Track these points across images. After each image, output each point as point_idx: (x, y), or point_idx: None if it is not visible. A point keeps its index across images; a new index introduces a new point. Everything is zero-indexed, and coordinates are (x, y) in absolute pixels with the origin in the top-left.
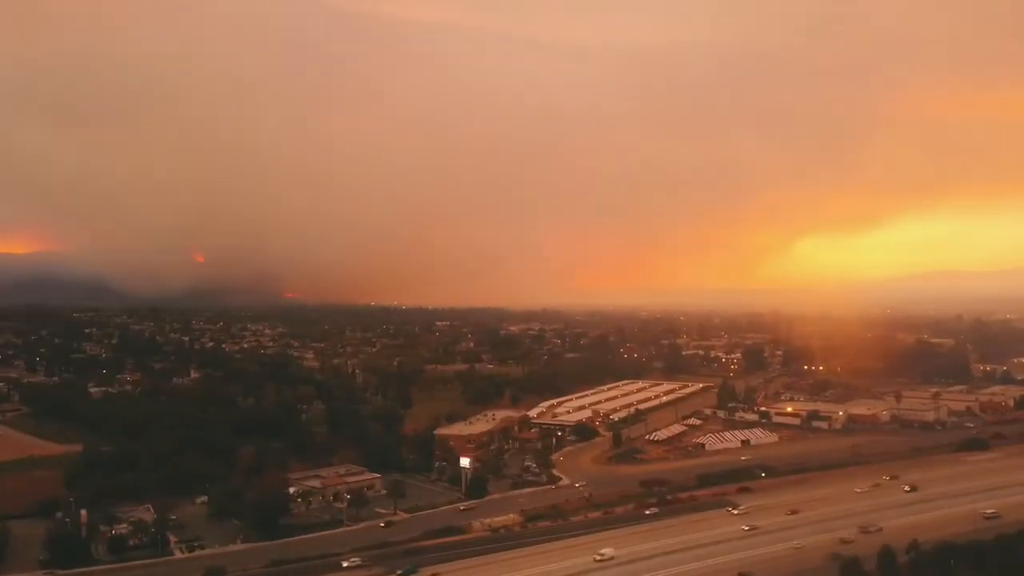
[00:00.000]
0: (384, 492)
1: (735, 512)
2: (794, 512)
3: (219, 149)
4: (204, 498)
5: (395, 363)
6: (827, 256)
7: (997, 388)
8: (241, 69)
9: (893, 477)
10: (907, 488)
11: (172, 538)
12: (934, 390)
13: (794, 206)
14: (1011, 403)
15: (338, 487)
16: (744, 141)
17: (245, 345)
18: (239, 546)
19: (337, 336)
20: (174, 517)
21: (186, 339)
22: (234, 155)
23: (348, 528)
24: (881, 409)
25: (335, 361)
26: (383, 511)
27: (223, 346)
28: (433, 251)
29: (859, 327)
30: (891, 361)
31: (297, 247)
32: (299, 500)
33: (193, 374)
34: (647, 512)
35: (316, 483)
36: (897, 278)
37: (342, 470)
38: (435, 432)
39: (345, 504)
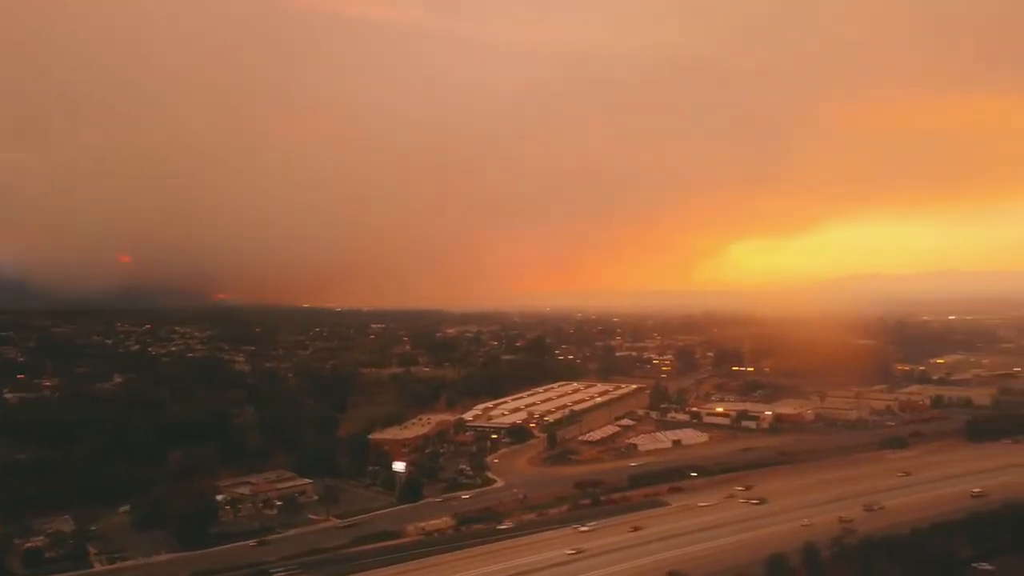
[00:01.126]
0: (317, 498)
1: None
2: (727, 509)
3: (149, 147)
4: (127, 507)
5: (329, 366)
6: (759, 259)
7: (915, 387)
8: (177, 65)
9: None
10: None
11: (92, 550)
12: (857, 390)
13: (728, 210)
14: (927, 402)
15: (269, 493)
16: (680, 145)
17: (173, 348)
18: (164, 557)
19: (269, 338)
20: (95, 528)
21: (110, 342)
22: (165, 153)
23: (279, 535)
24: (807, 409)
25: (267, 364)
26: (315, 517)
27: (149, 349)
28: (369, 252)
29: (787, 328)
30: (817, 361)
31: (228, 247)
32: (228, 508)
33: (117, 378)
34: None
35: (246, 490)
36: (824, 281)
37: (273, 476)
38: (369, 436)
39: (276, 511)
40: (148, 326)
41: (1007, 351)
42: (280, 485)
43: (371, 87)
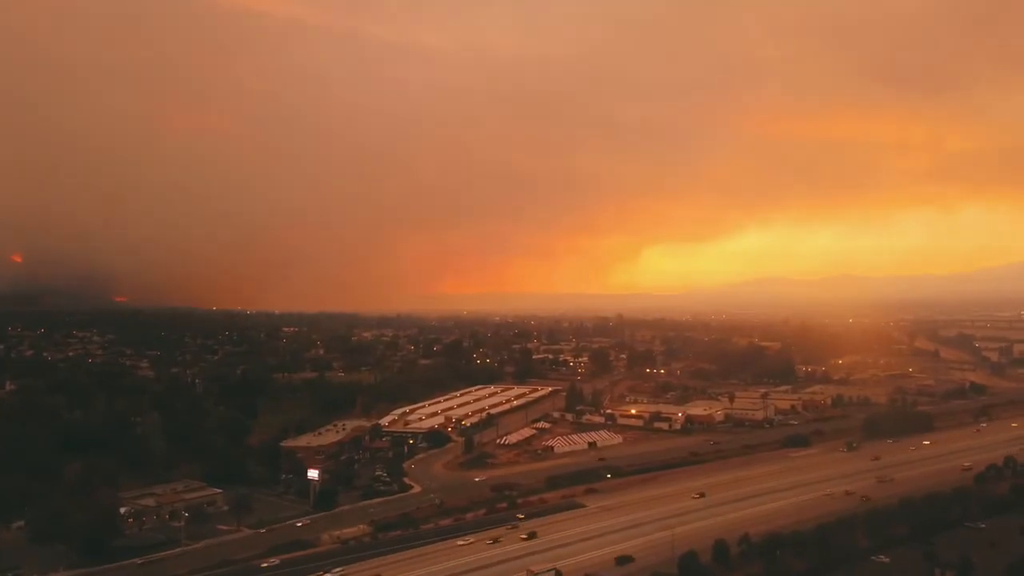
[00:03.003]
0: (227, 508)
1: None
2: (643, 509)
3: (45, 143)
4: (22, 522)
5: (239, 371)
6: (670, 263)
7: (817, 387)
8: (76, 59)
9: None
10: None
11: None
12: (763, 390)
13: (640, 216)
14: (828, 401)
15: (175, 504)
16: (594, 152)
17: (70, 353)
18: (62, 573)
19: (175, 343)
20: None
21: (0, 347)
22: (62, 150)
23: (186, 547)
24: (716, 409)
25: (173, 370)
26: (225, 528)
27: (44, 354)
28: (281, 254)
29: (698, 331)
30: (726, 363)
31: (130, 247)
32: (131, 520)
33: (9, 385)
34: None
35: (150, 501)
36: (733, 284)
37: (180, 486)
38: (282, 444)
39: (183, 522)
40: (42, 330)
41: (900, 352)
42: (187, 495)
43: (281, 88)
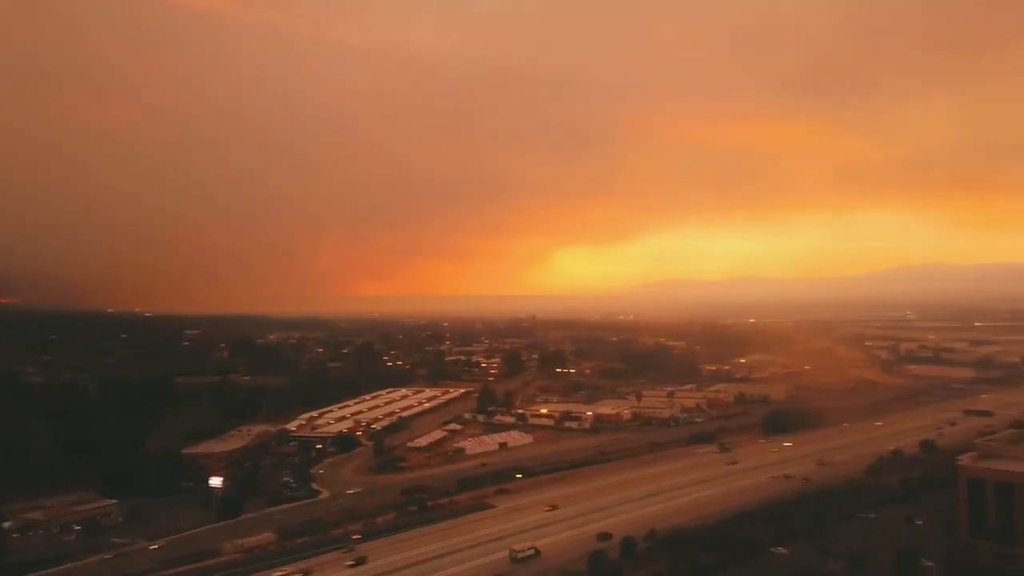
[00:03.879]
0: (122, 519)
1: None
2: (553, 508)
3: None
4: None
5: (138, 376)
6: (580, 265)
7: (721, 386)
8: None
9: (552, 507)
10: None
11: None
12: (669, 389)
13: (555, 217)
14: (731, 399)
15: (66, 517)
16: (510, 153)
17: None
18: None
19: (68, 347)
20: None
21: None
22: None
23: (78, 563)
24: (624, 408)
25: (65, 375)
26: (120, 540)
27: None
28: (185, 254)
29: (608, 331)
30: (634, 362)
31: (21, 246)
32: (16, 535)
33: None
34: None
35: (38, 515)
36: (642, 286)
37: (72, 498)
38: (184, 451)
39: (74, 536)
40: None
41: (798, 351)
42: (79, 507)
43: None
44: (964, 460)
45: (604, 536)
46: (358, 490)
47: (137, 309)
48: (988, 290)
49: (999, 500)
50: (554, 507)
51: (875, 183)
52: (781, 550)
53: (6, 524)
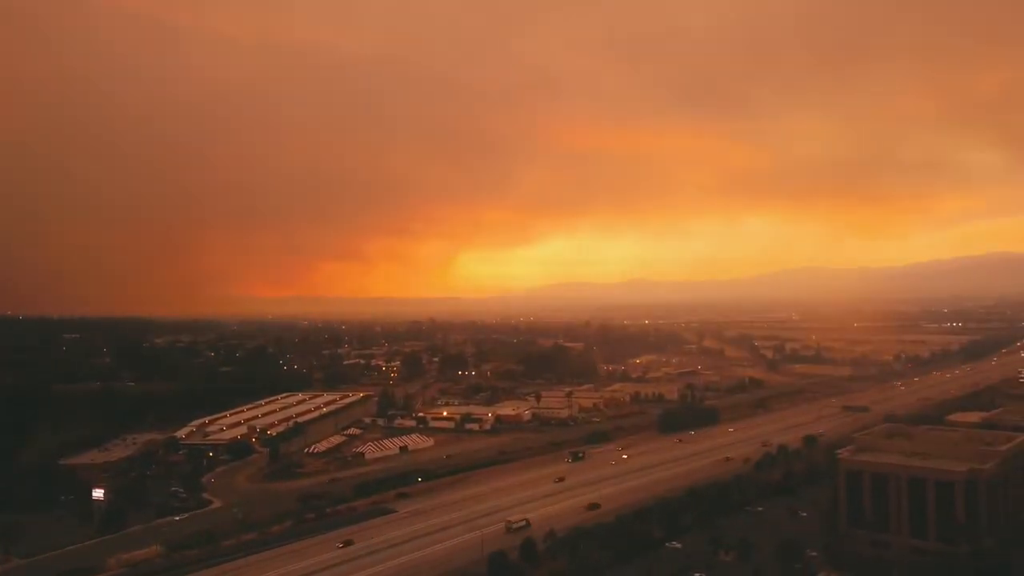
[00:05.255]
0: None
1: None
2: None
3: None
4: None
5: (9, 383)
6: (480, 268)
7: (617, 385)
8: None
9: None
10: (555, 480)
11: None
12: (568, 389)
13: (453, 221)
14: (628, 398)
15: None
16: (408, 156)
17: None
18: None
19: None
20: None
21: None
22: None
23: None
24: (524, 409)
25: None
26: None
27: None
28: (62, 253)
29: (507, 333)
30: (533, 364)
31: None
32: None
33: None
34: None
35: None
36: (539, 288)
37: None
38: (61, 462)
39: None
40: None
41: (690, 351)
42: None
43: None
44: (843, 453)
45: (502, 539)
46: (250, 499)
47: (9, 313)
48: (864, 292)
49: (875, 491)
50: (454, 510)
51: (759, 190)
52: (675, 544)
53: None
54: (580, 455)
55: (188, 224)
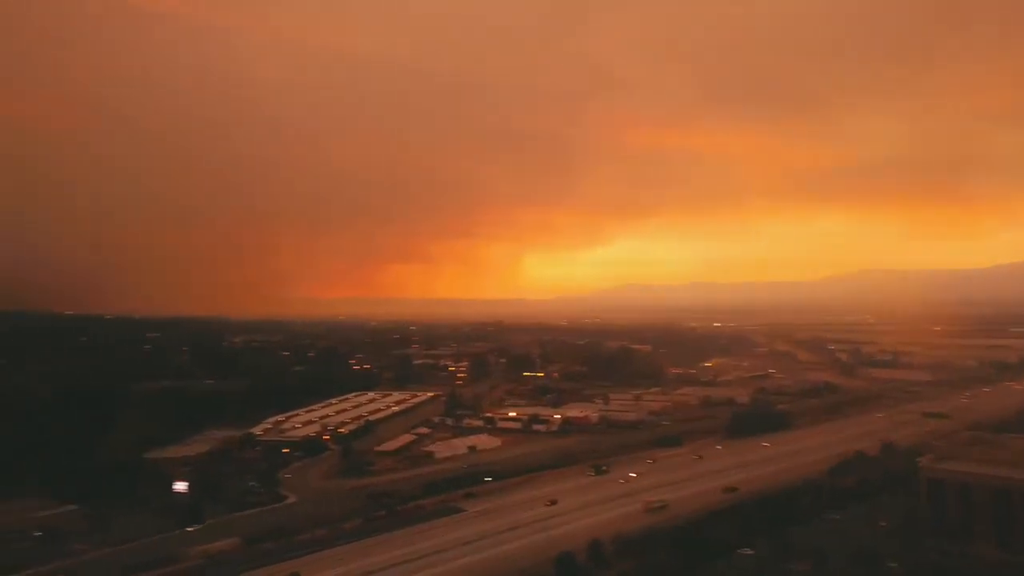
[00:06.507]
0: (83, 526)
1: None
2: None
3: None
4: None
5: (96, 380)
6: (546, 270)
7: (686, 389)
8: None
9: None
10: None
11: None
12: (636, 392)
13: (518, 223)
14: (697, 402)
15: (23, 524)
16: (473, 159)
17: None
18: None
19: (19, 350)
20: None
21: None
22: None
23: (37, 570)
24: (592, 411)
25: (17, 379)
26: (81, 547)
27: None
28: (144, 256)
29: (572, 335)
30: (599, 366)
31: None
32: None
33: None
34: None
35: None
36: (605, 290)
37: (28, 504)
38: (145, 456)
39: (32, 543)
40: None
41: (761, 355)
42: (37, 514)
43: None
44: (924, 461)
45: (572, 540)
46: (322, 495)
47: (96, 312)
48: (943, 295)
49: (958, 501)
50: (523, 510)
51: (828, 190)
52: (747, 551)
53: None
54: (651, 461)
55: (262, 227)
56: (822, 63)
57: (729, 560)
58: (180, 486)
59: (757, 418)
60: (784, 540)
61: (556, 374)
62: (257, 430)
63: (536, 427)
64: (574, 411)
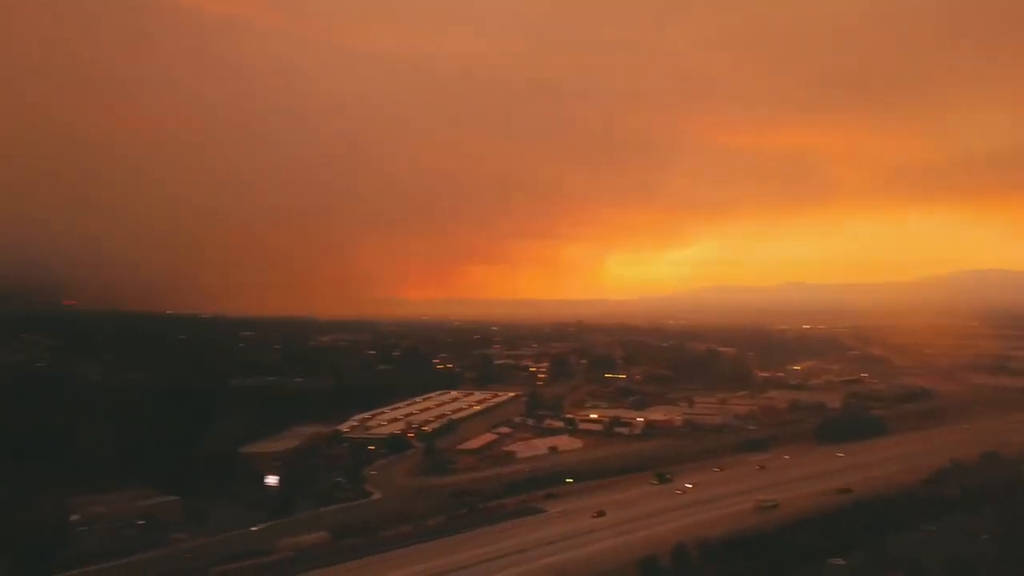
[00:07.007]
0: (182, 516)
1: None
2: (600, 515)
3: None
4: None
5: (193, 377)
6: (628, 270)
7: (774, 392)
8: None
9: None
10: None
11: None
12: (721, 395)
13: (599, 223)
14: (785, 406)
15: (127, 513)
16: (552, 160)
17: (17, 358)
18: None
19: (126, 348)
20: None
21: None
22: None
23: (139, 556)
24: (675, 414)
25: (124, 374)
26: (180, 536)
27: None
28: (236, 257)
29: (655, 337)
30: (683, 368)
31: (81, 249)
32: (82, 530)
33: None
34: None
35: (101, 509)
36: (688, 291)
37: (132, 494)
38: (238, 450)
39: (136, 531)
40: None
41: (853, 358)
42: (139, 503)
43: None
44: None
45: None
46: (406, 492)
47: (193, 312)
48: None
49: None
50: (601, 513)
51: (927, 187)
52: (838, 560)
53: (73, 518)
54: (717, 469)
55: (348, 229)
56: (924, 53)
57: (819, 569)
58: (271, 480)
59: (848, 423)
60: (877, 550)
61: (639, 376)
62: (344, 427)
63: (618, 429)
64: (657, 414)
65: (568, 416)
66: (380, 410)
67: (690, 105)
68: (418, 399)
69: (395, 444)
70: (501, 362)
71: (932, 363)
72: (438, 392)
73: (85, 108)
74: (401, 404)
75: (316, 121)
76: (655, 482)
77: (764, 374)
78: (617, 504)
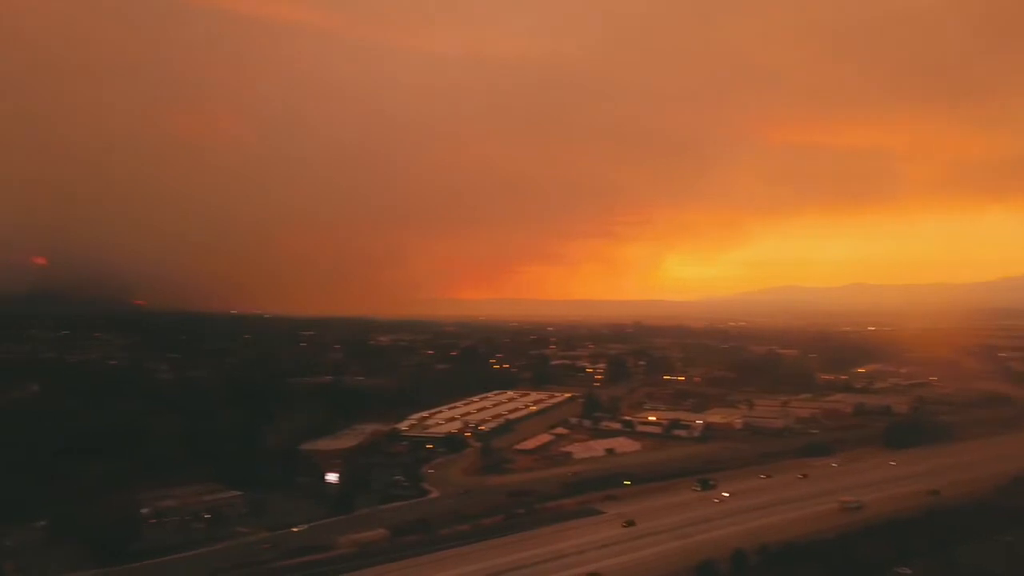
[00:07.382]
0: (245, 510)
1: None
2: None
3: (63, 146)
4: (41, 523)
5: (257, 375)
6: (686, 270)
7: (838, 396)
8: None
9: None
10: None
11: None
12: (783, 398)
13: (657, 223)
14: (850, 410)
15: (195, 506)
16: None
17: (92, 356)
18: (85, 574)
19: (193, 346)
20: (8, 544)
21: (22, 348)
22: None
23: (206, 549)
24: (735, 417)
25: (191, 372)
26: (244, 530)
27: (65, 356)
28: (297, 257)
29: (715, 338)
30: (743, 370)
31: (149, 250)
32: (152, 521)
33: (32, 387)
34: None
35: (170, 502)
36: (749, 292)
37: (199, 488)
38: (299, 447)
39: (203, 524)
40: (65, 332)
41: (922, 361)
42: (207, 498)
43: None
44: None
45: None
46: (463, 491)
47: (256, 312)
48: None
49: None
50: (662, 516)
51: (1001, 183)
52: (905, 570)
53: (144, 511)
54: (764, 476)
55: (408, 230)
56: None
57: None
58: (332, 477)
59: (916, 429)
60: (946, 560)
61: (698, 378)
62: (402, 425)
63: (676, 432)
64: (716, 416)
65: (625, 418)
66: (438, 409)
67: (750, 102)
68: (475, 399)
69: (452, 443)
70: (557, 363)
71: (1007, 367)
72: (495, 392)
73: (163, 115)
74: (458, 404)
75: (368, 124)
76: (697, 488)
77: (827, 377)
78: (664, 509)
